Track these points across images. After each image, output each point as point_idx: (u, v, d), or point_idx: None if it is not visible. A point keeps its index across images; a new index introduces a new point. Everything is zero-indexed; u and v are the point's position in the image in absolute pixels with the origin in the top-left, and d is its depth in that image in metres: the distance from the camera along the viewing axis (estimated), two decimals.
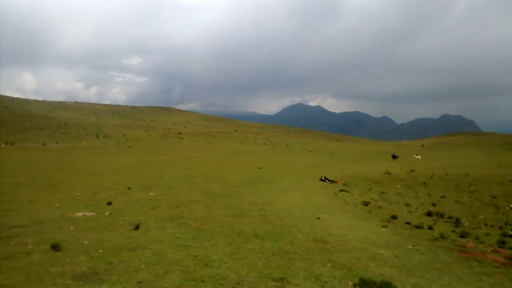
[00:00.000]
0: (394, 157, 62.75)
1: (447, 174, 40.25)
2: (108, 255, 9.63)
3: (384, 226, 16.80)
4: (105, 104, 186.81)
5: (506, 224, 21.36)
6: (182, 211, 16.72)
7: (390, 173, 41.00)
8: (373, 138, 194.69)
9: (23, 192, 20.58)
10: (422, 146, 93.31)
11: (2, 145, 67.31)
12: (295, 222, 15.45)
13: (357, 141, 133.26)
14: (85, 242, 10.77)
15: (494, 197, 29.33)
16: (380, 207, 22.69)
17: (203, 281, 8.13)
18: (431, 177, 38.45)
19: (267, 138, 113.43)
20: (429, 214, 21.74)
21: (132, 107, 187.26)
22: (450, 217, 21.06)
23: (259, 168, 40.45)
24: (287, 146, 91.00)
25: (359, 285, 8.38)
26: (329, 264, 10.06)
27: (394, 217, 19.10)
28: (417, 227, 17.17)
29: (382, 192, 29.05)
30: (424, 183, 34.92)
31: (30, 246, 10.16)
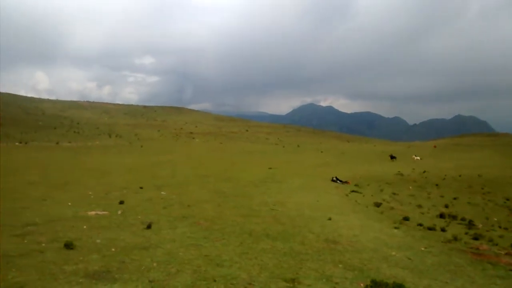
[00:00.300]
0: (392, 157, 62.05)
1: (460, 176, 39.83)
2: (120, 253, 9.70)
3: (396, 228, 16.69)
4: (118, 104, 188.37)
5: None
6: (193, 210, 16.77)
7: (402, 174, 40.71)
8: (385, 139, 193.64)
9: (36, 191, 20.84)
10: (435, 147, 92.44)
11: (16, 143, 68.21)
12: (306, 222, 15.41)
13: (369, 142, 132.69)
14: (98, 241, 10.86)
15: (508, 199, 28.93)
16: (392, 208, 22.55)
17: (214, 280, 8.15)
18: (444, 178, 38.09)
19: (278, 138, 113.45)
20: (441, 215, 21.53)
21: (144, 106, 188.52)
22: (463, 219, 20.85)
23: (270, 168, 40.44)
24: (298, 146, 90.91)
25: (370, 286, 8.34)
26: (340, 265, 10.02)
27: (406, 219, 18.97)
28: (430, 228, 17.04)
29: (394, 193, 28.85)
30: (436, 184, 34.60)
31: (43, 244, 10.27)
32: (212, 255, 9.96)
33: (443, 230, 16.97)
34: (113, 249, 10.06)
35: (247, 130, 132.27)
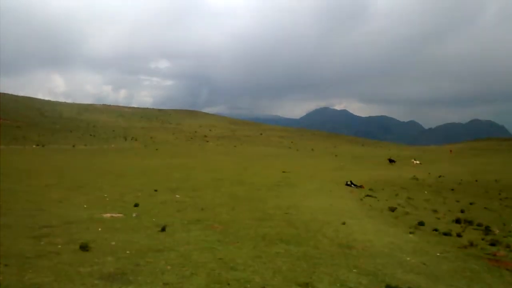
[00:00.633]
0: (391, 161, 61.23)
1: (476, 180, 39.27)
2: (135, 256, 9.77)
3: (411, 233, 16.51)
4: (133, 107, 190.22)
5: None
6: (207, 213, 16.84)
7: (417, 179, 40.28)
8: (400, 143, 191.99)
9: (53, 193, 21.11)
10: (451, 151, 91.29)
11: (34, 146, 69.22)
12: (320, 226, 15.34)
13: (384, 146, 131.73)
14: (113, 243, 10.96)
15: None
16: (407, 213, 22.32)
17: (228, 284, 8.16)
18: (460, 183, 37.59)
19: (292, 142, 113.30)
20: (457, 221, 21.22)
21: (159, 110, 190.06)
22: (479, 224, 20.52)
23: (284, 171, 40.39)
24: (312, 150, 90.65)
25: None
26: (354, 270, 9.95)
27: (421, 224, 18.75)
28: (445, 234, 16.81)
29: (409, 198, 28.55)
30: (452, 189, 34.16)
31: (59, 246, 10.40)
32: (226, 259, 9.98)
33: (459, 235, 16.73)
34: (127, 252, 10.14)
35: (261, 134, 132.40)
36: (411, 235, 15.95)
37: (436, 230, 17.54)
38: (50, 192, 21.29)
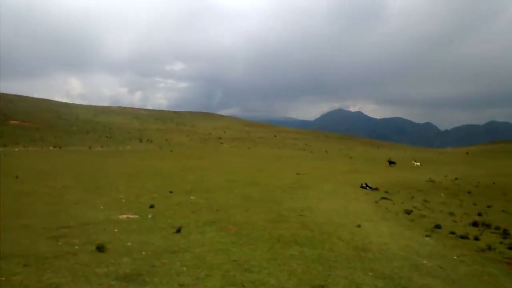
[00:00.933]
0: (390, 163, 60.43)
1: (493, 183, 38.67)
2: (151, 257, 9.86)
3: (427, 236, 16.33)
4: (148, 109, 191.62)
5: None
6: (222, 215, 16.89)
7: (433, 181, 39.83)
8: (415, 145, 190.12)
9: (70, 194, 21.40)
10: (467, 153, 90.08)
11: (51, 148, 70.18)
12: (335, 229, 15.27)
13: (399, 148, 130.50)
14: (129, 244, 11.07)
15: None
16: (423, 216, 22.07)
17: (243, 286, 8.18)
18: (477, 186, 37.06)
19: (306, 144, 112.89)
20: (474, 224, 20.93)
21: (174, 112, 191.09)
22: (497, 228, 20.21)
23: (298, 173, 40.27)
24: (327, 152, 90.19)
25: None
26: (370, 273, 9.89)
27: (437, 226, 18.54)
28: (462, 237, 16.59)
29: (425, 201, 28.23)
30: (469, 192, 33.69)
31: (76, 247, 10.55)
32: (240, 260, 10.00)
33: (476, 238, 16.51)
34: (143, 253, 10.23)
35: (275, 136, 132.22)
36: (427, 238, 15.78)
37: (453, 233, 17.32)
38: (67, 194, 21.58)
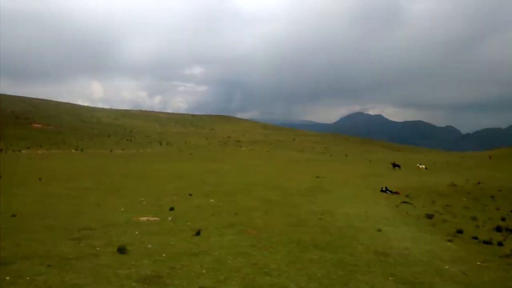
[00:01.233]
0: (394, 165, 59.27)
1: None
2: (171, 259, 9.92)
3: (449, 240, 16.04)
4: (168, 113, 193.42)
5: None
6: (241, 218, 16.89)
7: (455, 185, 39.15)
8: (436, 148, 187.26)
9: (91, 196, 21.73)
10: (490, 157, 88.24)
11: (73, 151, 71.38)
12: (355, 233, 15.12)
13: (420, 151, 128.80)
14: (149, 246, 11.16)
15: None
16: (445, 221, 21.70)
17: None
18: (500, 190, 36.27)
19: (325, 147, 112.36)
20: (498, 229, 20.46)
21: (193, 115, 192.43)
22: None
23: (318, 177, 40.07)
24: (346, 155, 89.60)
25: None
26: (391, 278, 9.75)
27: (460, 231, 18.18)
28: (486, 242, 16.23)
29: (447, 205, 27.76)
30: (492, 196, 32.99)
31: (98, 248, 10.68)
32: (260, 264, 9.98)
33: (500, 244, 16.13)
34: (163, 255, 10.30)
35: (294, 139, 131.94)
36: (449, 243, 15.50)
37: (475, 238, 16.97)
38: (88, 196, 21.92)
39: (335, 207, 21.88)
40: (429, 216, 22.09)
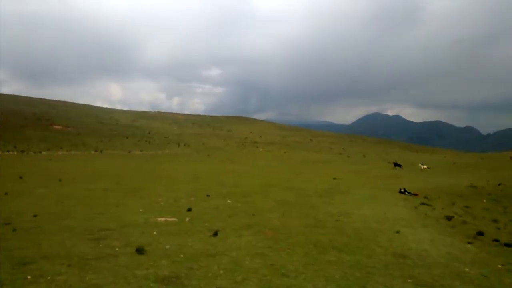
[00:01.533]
0: (396, 165, 58.22)
1: None
2: (189, 260, 9.97)
3: (469, 243, 15.78)
4: (186, 114, 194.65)
5: None
6: (258, 219, 16.88)
7: (475, 187, 38.47)
8: (456, 149, 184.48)
9: (110, 197, 22.00)
10: (511, 158, 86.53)
11: (92, 152, 72.35)
12: (373, 235, 14.99)
13: (439, 152, 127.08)
14: (167, 247, 11.24)
15: None
16: (465, 222, 21.35)
17: None
18: None
19: (342, 148, 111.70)
20: None
21: (211, 116, 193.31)
22: None
23: (335, 178, 39.84)
24: (364, 156, 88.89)
25: None
26: (410, 280, 9.64)
27: (480, 233, 17.87)
28: (507, 245, 15.92)
29: (467, 207, 27.30)
30: None
31: (117, 249, 10.80)
32: (277, 265, 9.97)
33: None
34: (181, 255, 10.36)
35: (311, 140, 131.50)
36: (469, 245, 15.26)
37: (496, 240, 16.66)
38: (107, 196, 22.20)
39: (352, 209, 21.73)
40: (449, 218, 21.77)
